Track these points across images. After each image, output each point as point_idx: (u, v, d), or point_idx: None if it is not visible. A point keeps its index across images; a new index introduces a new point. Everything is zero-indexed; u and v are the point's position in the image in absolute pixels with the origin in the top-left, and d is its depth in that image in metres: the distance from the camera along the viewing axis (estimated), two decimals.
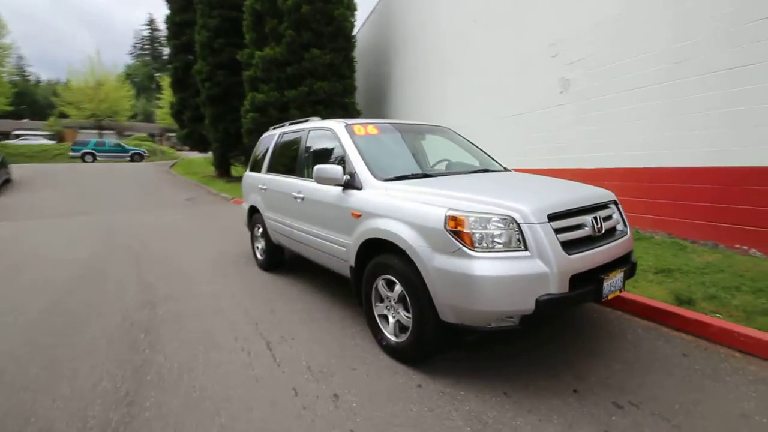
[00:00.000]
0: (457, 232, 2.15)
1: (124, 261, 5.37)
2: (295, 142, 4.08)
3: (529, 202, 2.23)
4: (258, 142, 5.26)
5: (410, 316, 2.43)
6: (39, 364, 2.69)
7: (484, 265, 2.07)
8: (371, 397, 2.21)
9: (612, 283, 2.37)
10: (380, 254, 2.66)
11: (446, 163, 3.69)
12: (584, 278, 2.23)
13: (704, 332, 2.73)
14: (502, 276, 2.06)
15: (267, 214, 4.41)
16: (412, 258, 2.31)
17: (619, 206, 2.74)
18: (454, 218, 2.17)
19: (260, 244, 4.84)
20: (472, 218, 2.15)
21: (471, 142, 4.02)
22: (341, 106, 12.81)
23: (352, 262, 2.90)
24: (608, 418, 1.99)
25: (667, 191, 4.78)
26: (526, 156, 6.73)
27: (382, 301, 2.72)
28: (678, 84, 4.60)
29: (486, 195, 2.36)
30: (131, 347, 2.91)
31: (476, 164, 3.63)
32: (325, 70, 12.13)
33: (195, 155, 30.75)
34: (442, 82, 9.79)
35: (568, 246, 2.19)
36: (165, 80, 39.97)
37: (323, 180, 3.01)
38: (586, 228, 2.35)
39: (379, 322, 2.73)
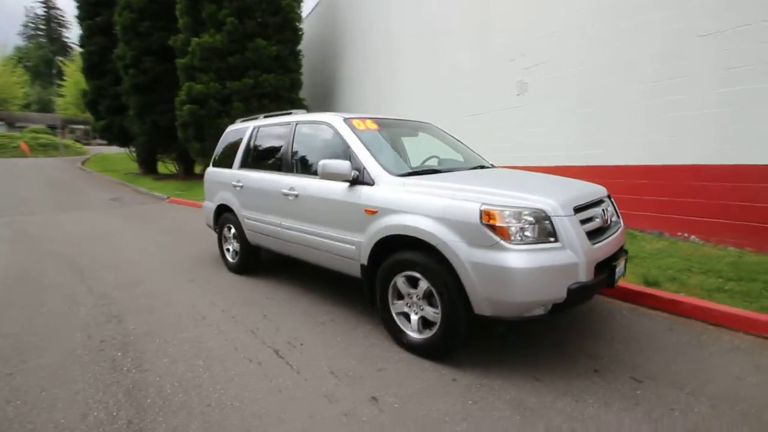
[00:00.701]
0: (493, 226, 2.19)
1: (61, 270, 4.64)
2: (280, 136, 3.83)
3: (555, 195, 2.35)
4: (223, 136, 4.86)
5: (438, 311, 2.42)
6: (0, 398, 2.21)
7: (522, 258, 2.13)
8: (411, 396, 2.17)
9: (619, 270, 2.58)
10: (398, 251, 2.61)
11: (436, 159, 3.73)
12: (600, 266, 2.40)
13: (678, 309, 3.10)
14: (539, 267, 2.14)
15: (244, 213, 4.09)
16: (445, 254, 2.30)
17: (612, 199, 2.99)
18: (488, 213, 2.21)
19: (232, 246, 4.48)
20: (507, 212, 2.20)
21: (456, 139, 4.11)
22: (288, 101, 12.33)
23: (365, 261, 2.81)
24: (633, 392, 2.17)
25: (616, 187, 5.33)
26: (483, 154, 7.05)
27: (400, 298, 2.67)
28: (626, 90, 5.15)
29: (511, 189, 2.43)
30: (112, 368, 2.52)
31: (469, 161, 3.72)
32: (271, 63, 11.58)
33: (110, 150, 27.52)
34: (394, 81, 9.87)
35: (589, 237, 2.35)
36: (69, 66, 35.17)
37: (330, 176, 2.88)
38: (597, 220, 2.53)
39: (397, 320, 2.68)
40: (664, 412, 2.00)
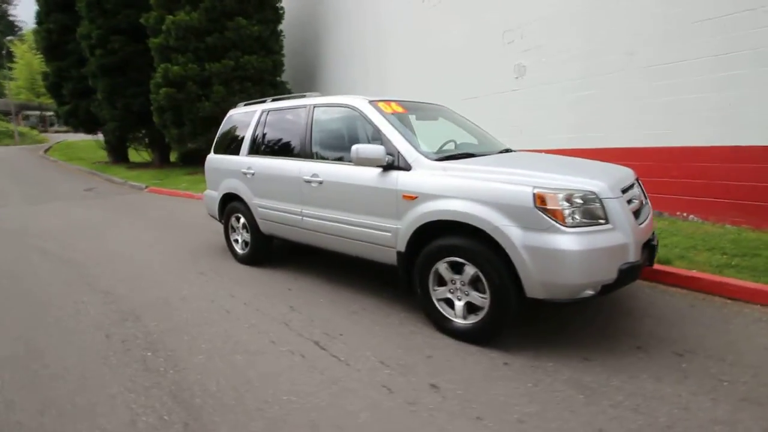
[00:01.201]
0: (547, 210, 2.18)
1: (53, 267, 4.35)
2: (294, 121, 3.67)
3: (602, 177, 2.36)
4: (225, 121, 4.62)
5: (486, 296, 2.41)
6: (30, 408, 2.05)
7: (578, 240, 2.14)
8: (469, 381, 2.16)
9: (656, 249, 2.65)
10: (439, 237, 2.58)
11: (453, 143, 3.67)
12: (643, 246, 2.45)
13: (696, 285, 3.24)
14: (593, 249, 2.15)
15: (256, 201, 3.92)
16: (497, 238, 2.28)
17: (640, 181, 3.05)
18: (542, 196, 2.19)
19: (241, 237, 4.32)
20: (560, 195, 2.19)
21: (472, 122, 4.07)
22: (271, 84, 11.89)
23: (402, 248, 2.75)
24: (680, 366, 2.25)
25: None
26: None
27: (441, 284, 2.65)
28: (623, 75, 5.24)
29: (557, 173, 2.43)
30: (145, 369, 2.39)
31: (488, 144, 3.68)
32: (253, 43, 11.08)
33: (74, 137, 25.87)
34: (382, 63, 9.67)
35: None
36: (18, 47, 32.49)
37: (364, 161, 2.78)
38: (636, 201, 2.57)
39: (439, 306, 2.66)
40: (715, 384, 2.09)
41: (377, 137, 2.95)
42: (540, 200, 2.19)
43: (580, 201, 2.21)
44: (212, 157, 4.61)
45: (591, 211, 2.21)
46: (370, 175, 2.91)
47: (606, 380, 2.14)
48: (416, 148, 2.77)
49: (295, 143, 3.60)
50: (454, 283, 2.57)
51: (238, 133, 4.35)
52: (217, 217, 4.59)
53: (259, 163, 3.87)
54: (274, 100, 4.13)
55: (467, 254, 2.44)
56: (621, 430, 1.79)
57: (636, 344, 2.49)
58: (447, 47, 7.76)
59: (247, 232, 4.19)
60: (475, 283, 2.48)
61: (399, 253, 2.80)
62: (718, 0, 4.44)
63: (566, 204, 2.18)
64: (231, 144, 4.38)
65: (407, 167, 2.73)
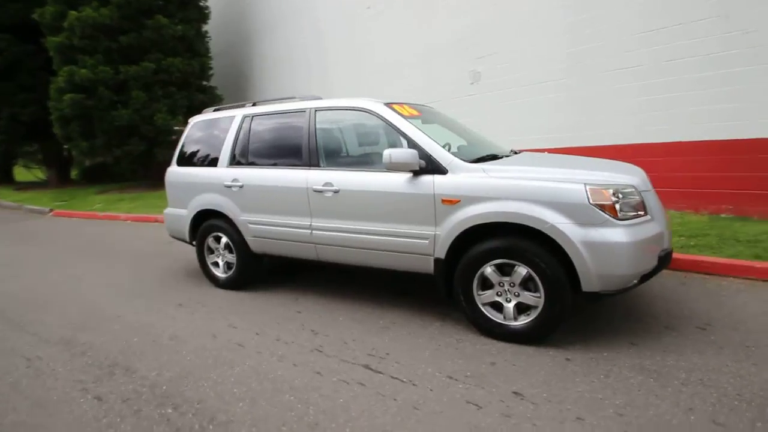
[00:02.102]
0: (601, 205, 2.26)
1: None
2: (290, 127, 3.35)
3: (631, 173, 2.52)
4: (189, 129, 4.08)
5: (539, 295, 2.42)
6: None
7: (630, 232, 2.25)
8: (547, 383, 2.14)
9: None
10: (480, 241, 2.53)
11: (447, 145, 3.67)
12: None
13: (675, 265, 3.63)
14: (642, 239, 2.28)
15: (245, 217, 3.50)
16: (553, 236, 2.30)
17: None
18: (595, 192, 2.27)
19: (222, 258, 3.83)
20: (611, 190, 2.28)
21: (460, 124, 4.11)
22: (199, 89, 10.96)
23: (442, 255, 2.65)
24: (710, 338, 2.47)
25: None
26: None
27: (486, 288, 2.60)
28: (576, 80, 5.76)
29: (593, 169, 2.54)
30: (181, 428, 1.95)
31: (487, 147, 3.74)
32: (176, 44, 10.07)
33: None
34: (326, 70, 9.45)
35: None
36: None
37: (398, 166, 2.63)
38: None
39: (485, 310, 2.61)
40: (746, 351, 2.33)
41: (396, 141, 2.82)
42: (595, 195, 2.26)
43: (625, 195, 2.33)
44: (176, 171, 4.03)
45: (635, 204, 2.35)
46: (397, 180, 2.76)
47: (662, 361, 2.28)
48: (450, 151, 2.70)
49: (296, 151, 3.28)
50: (502, 286, 2.54)
51: (210, 141, 3.86)
52: (187, 238, 4.02)
53: (249, 175, 3.46)
54: (255, 104, 3.74)
55: (519, 255, 2.42)
56: (705, 405, 1.90)
57: (663, 324, 2.70)
58: (397, 53, 7.83)
59: (231, 252, 3.73)
60: (525, 284, 2.48)
61: (437, 261, 2.69)
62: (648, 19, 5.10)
63: (616, 198, 2.28)
64: (202, 155, 3.88)
65: (442, 171, 2.64)
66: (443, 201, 2.60)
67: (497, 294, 2.57)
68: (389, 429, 1.87)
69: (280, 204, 3.30)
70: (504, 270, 2.51)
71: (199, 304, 3.52)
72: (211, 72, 11.27)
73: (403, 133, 2.81)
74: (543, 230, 2.32)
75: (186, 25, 10.04)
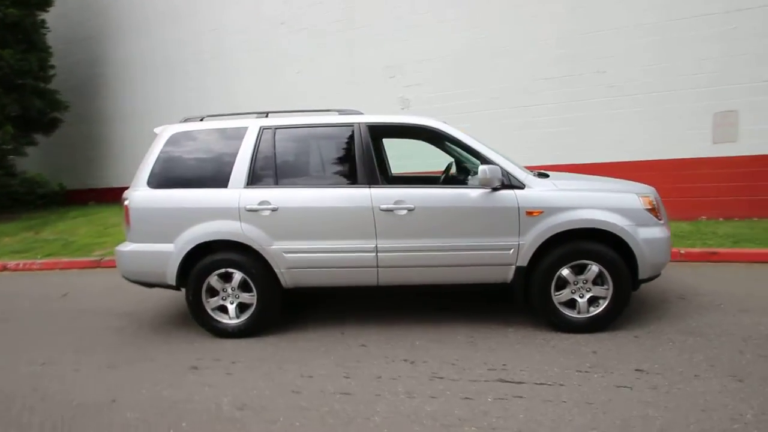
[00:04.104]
0: (649, 209, 2.89)
1: None
2: (333, 142, 3.09)
3: (645, 187, 3.25)
4: (165, 142, 3.22)
5: (608, 287, 2.88)
6: None
7: (665, 230, 2.95)
8: (656, 361, 2.50)
9: None
10: (557, 246, 2.88)
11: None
12: None
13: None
14: (670, 236, 3.01)
15: (281, 246, 2.98)
16: (623, 237, 2.79)
17: None
18: (644, 199, 2.89)
19: (233, 301, 3.13)
20: (652, 197, 2.94)
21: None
22: (35, 92, 8.39)
23: (524, 262, 2.88)
24: (736, 317, 3.28)
25: None
26: None
27: (560, 289, 2.93)
28: (499, 112, 6.83)
29: (624, 183, 3.19)
30: None
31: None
32: (6, 33, 7.50)
33: None
34: (229, 87, 8.60)
35: None
36: None
37: (488, 182, 2.77)
38: None
39: (561, 308, 2.92)
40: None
41: (480, 157, 2.95)
42: (647, 203, 2.87)
43: (657, 202, 3.02)
44: (153, 195, 3.12)
45: (659, 209, 3.06)
46: (476, 196, 2.88)
47: (682, 342, 2.80)
48: (518, 167, 2.98)
49: (345, 168, 3.02)
50: (576, 284, 2.92)
51: (207, 157, 3.17)
52: (170, 281, 3.12)
53: (285, 196, 2.98)
54: (269, 115, 3.26)
55: (593, 255, 2.85)
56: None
57: (680, 297, 3.50)
58: (321, 75, 7.75)
59: (248, 291, 3.09)
60: (595, 280, 2.91)
61: (519, 268, 2.90)
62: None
63: (655, 204, 2.95)
64: (197, 173, 3.14)
65: (520, 185, 2.89)
66: (527, 213, 2.84)
67: (572, 292, 2.93)
68: (600, 428, 1.96)
69: (333, 227, 2.96)
70: (578, 270, 2.89)
71: (226, 361, 2.80)
72: (52, 72, 8.77)
73: (476, 151, 2.97)
74: (614, 232, 2.81)
75: (21, 8, 7.61)
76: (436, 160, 4.13)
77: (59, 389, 2.53)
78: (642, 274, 2.89)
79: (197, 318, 3.16)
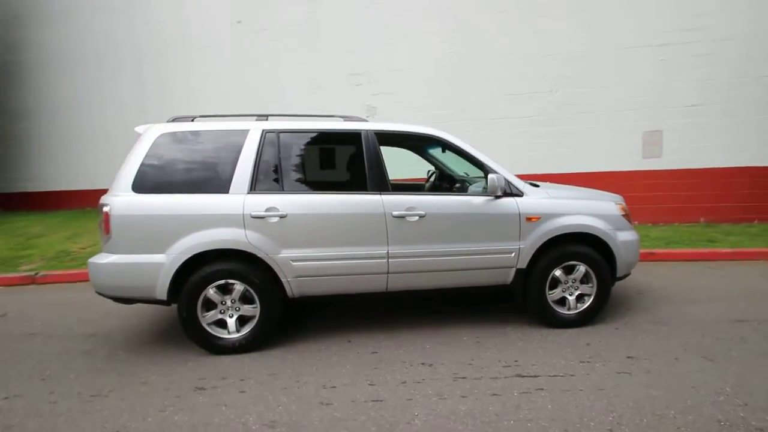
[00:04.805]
0: (624, 215, 3.28)
1: None
2: (340, 148, 3.05)
3: (615, 195, 3.68)
4: (152, 144, 2.95)
5: (593, 285, 3.21)
6: None
7: (635, 233, 3.37)
8: (644, 348, 2.84)
9: None
10: (553, 248, 3.15)
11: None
12: None
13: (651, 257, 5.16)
14: (639, 238, 3.44)
15: (290, 254, 2.88)
16: (605, 239, 3.14)
17: None
18: (621, 207, 3.29)
19: (233, 314, 2.94)
20: (624, 205, 3.35)
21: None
22: None
23: (524, 265, 3.10)
24: (677, 301, 3.85)
25: None
26: None
27: (552, 288, 3.20)
28: (467, 124, 7.17)
29: (596, 192, 3.57)
30: None
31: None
32: None
33: None
34: (190, 83, 8.04)
35: None
36: None
37: (495, 190, 2.95)
38: None
39: (554, 306, 3.19)
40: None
41: (481, 167, 3.13)
42: (622, 209, 3.26)
43: (626, 210, 3.44)
44: (139, 201, 2.83)
45: (630, 216, 3.49)
46: (481, 203, 3.06)
47: (688, 331, 3.23)
48: (516, 177, 3.21)
49: (352, 174, 3.03)
50: (566, 283, 3.21)
51: (202, 160, 2.96)
52: (160, 296, 2.85)
53: (294, 202, 2.89)
54: (274, 118, 3.14)
55: (580, 257, 3.16)
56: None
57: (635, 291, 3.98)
58: (282, 78, 7.55)
59: (249, 302, 2.93)
60: (582, 279, 3.23)
61: (519, 270, 3.12)
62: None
63: (626, 211, 3.36)
64: (191, 177, 2.91)
65: (519, 193, 3.12)
66: (527, 218, 3.08)
67: (562, 291, 3.22)
68: (618, 410, 2.18)
69: (345, 234, 2.93)
70: (568, 270, 3.19)
71: (234, 378, 2.62)
72: None
73: (480, 161, 3.14)
74: (599, 235, 3.15)
75: None
76: (415, 168, 4.30)
77: (41, 426, 2.18)
78: (619, 272, 3.28)
79: (192, 335, 2.91)
